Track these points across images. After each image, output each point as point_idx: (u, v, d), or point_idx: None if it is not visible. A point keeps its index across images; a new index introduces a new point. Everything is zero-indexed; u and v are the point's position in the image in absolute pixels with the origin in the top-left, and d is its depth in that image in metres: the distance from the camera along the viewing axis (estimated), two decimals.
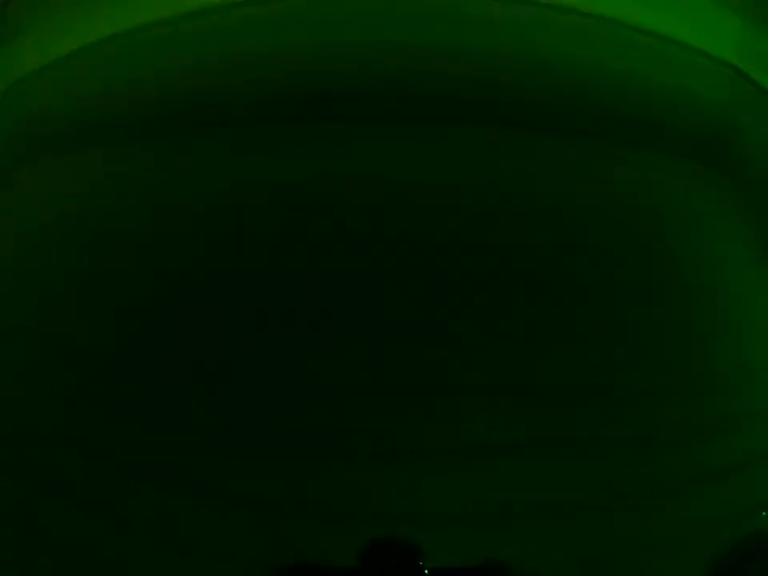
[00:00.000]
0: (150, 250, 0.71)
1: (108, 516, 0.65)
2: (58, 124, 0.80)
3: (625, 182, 0.74)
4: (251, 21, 0.82)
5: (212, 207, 0.71)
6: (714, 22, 0.84)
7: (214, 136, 0.75)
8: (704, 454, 0.67)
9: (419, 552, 0.61)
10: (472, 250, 0.69)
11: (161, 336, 0.68)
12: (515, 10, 0.82)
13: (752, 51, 0.82)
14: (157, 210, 0.72)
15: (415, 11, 0.80)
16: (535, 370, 0.66)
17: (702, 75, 0.81)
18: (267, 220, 0.70)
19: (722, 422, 0.69)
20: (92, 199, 0.75)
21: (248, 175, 0.73)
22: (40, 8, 0.89)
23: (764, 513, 0.67)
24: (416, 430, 0.64)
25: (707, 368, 0.69)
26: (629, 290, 0.70)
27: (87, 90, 0.81)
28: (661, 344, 0.69)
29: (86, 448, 0.67)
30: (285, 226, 0.70)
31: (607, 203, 0.73)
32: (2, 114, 0.82)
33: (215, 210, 0.71)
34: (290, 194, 0.71)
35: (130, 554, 0.64)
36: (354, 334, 0.66)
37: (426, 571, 0.61)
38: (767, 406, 0.70)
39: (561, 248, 0.70)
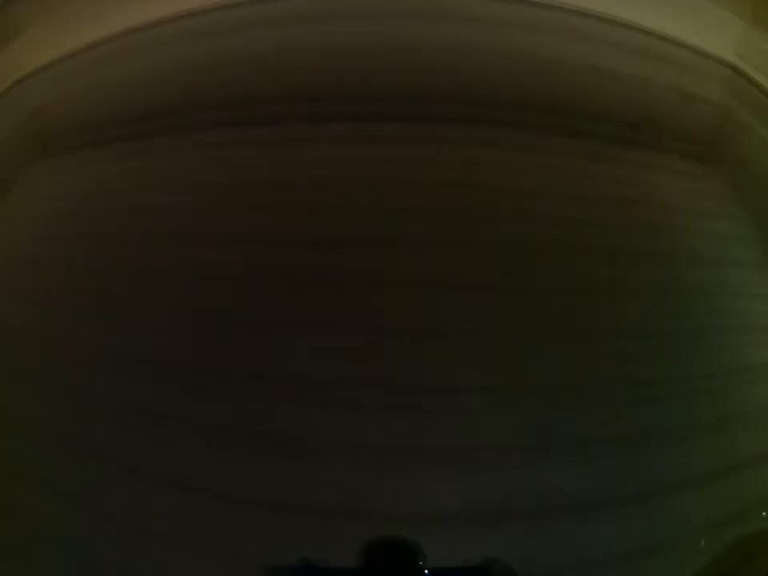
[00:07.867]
0: (150, 249, 0.71)
1: (108, 516, 0.65)
2: (58, 124, 0.80)
3: (624, 182, 0.74)
4: (251, 21, 0.82)
5: (212, 206, 0.72)
6: (714, 22, 0.84)
7: (213, 135, 0.76)
8: (704, 454, 0.67)
9: (419, 552, 0.61)
10: (470, 250, 0.69)
11: (161, 334, 0.68)
12: (515, 10, 0.82)
13: (752, 51, 0.82)
14: (157, 209, 0.73)
15: (415, 11, 0.81)
16: (535, 370, 0.66)
17: (702, 75, 0.81)
18: (266, 219, 0.70)
19: (722, 422, 0.69)
20: (92, 199, 0.75)
21: (248, 174, 0.73)
22: (40, 8, 0.89)
23: (764, 513, 0.67)
24: (416, 430, 0.64)
25: (707, 368, 0.69)
26: (628, 290, 0.70)
27: (87, 89, 0.81)
28: (659, 344, 0.69)
29: (84, 449, 0.67)
30: (285, 225, 0.70)
31: (607, 203, 0.73)
32: (2, 114, 0.82)
33: (215, 208, 0.71)
34: (290, 192, 0.71)
35: (130, 554, 0.64)
36: (351, 334, 0.66)
37: (426, 571, 0.61)
38: (767, 406, 0.70)
39: (559, 248, 0.70)
